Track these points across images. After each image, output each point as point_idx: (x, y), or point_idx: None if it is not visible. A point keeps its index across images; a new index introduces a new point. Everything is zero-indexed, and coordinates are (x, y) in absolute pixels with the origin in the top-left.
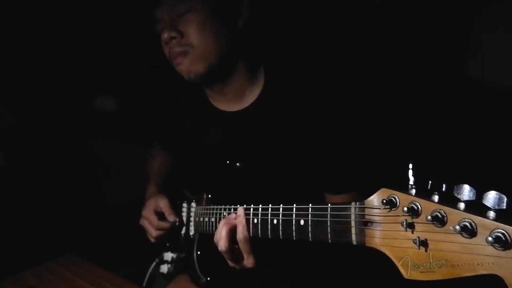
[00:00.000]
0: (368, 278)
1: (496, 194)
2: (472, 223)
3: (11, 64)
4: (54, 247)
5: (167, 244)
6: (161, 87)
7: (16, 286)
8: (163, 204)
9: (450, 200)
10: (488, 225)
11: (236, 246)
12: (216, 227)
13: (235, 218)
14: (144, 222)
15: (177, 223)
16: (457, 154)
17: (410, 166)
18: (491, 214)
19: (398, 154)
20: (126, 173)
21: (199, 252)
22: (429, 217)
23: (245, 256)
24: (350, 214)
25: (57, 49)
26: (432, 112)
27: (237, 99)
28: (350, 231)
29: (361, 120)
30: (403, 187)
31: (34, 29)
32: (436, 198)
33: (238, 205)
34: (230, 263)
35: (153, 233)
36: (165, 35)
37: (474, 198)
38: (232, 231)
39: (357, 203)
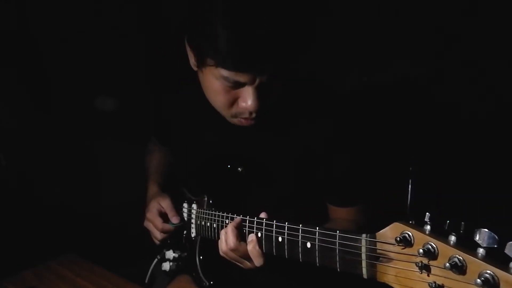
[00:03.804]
0: None
1: None
2: (495, 277)
3: (11, 64)
4: (55, 247)
5: (168, 242)
6: (162, 86)
7: (16, 286)
8: (165, 204)
9: (469, 243)
10: (511, 281)
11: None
12: (217, 233)
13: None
14: (148, 225)
15: (180, 225)
16: (465, 167)
17: (410, 177)
18: None
19: (404, 166)
20: (126, 173)
21: (201, 257)
22: (448, 265)
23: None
24: (361, 246)
25: (57, 49)
26: (439, 121)
27: None
28: (361, 264)
29: (371, 132)
30: (408, 207)
31: (34, 29)
32: (453, 239)
33: (241, 214)
34: (239, 265)
35: (158, 236)
36: (254, 107)
37: (495, 245)
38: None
39: (368, 235)
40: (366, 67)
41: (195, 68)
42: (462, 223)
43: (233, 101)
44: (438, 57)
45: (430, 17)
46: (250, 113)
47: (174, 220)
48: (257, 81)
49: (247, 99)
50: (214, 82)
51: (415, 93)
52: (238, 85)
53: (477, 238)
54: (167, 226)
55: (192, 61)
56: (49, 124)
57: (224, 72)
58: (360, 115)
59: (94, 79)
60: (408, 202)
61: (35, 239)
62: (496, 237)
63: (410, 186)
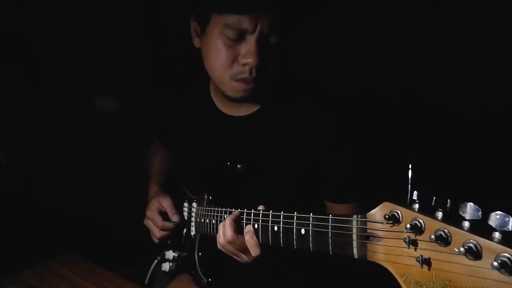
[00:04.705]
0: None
1: (502, 214)
2: (478, 245)
3: (11, 64)
4: (55, 247)
5: (169, 242)
6: (163, 86)
7: (17, 286)
8: (166, 204)
9: (455, 218)
10: (493, 248)
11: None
12: (216, 229)
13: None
14: (148, 223)
15: (180, 223)
16: (462, 166)
17: (410, 173)
18: (497, 235)
19: (402, 164)
20: (126, 173)
21: (200, 254)
22: (433, 236)
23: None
24: (352, 227)
25: (57, 49)
26: (437, 120)
27: (244, 106)
28: (352, 245)
29: (370, 131)
30: (406, 200)
31: (34, 29)
32: (440, 215)
33: (239, 209)
34: (236, 258)
35: (157, 234)
36: (254, 61)
37: (479, 218)
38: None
39: (359, 216)
40: (366, 67)
41: (197, 45)
42: (448, 200)
43: (234, 59)
44: (439, 57)
45: (430, 17)
46: (251, 71)
47: (175, 218)
48: (259, 28)
49: (248, 51)
50: (217, 40)
51: (414, 93)
52: (239, 36)
53: (461, 211)
54: (167, 224)
55: (195, 37)
56: (50, 124)
57: (228, 19)
58: (359, 114)
59: (94, 79)
60: (408, 200)
61: (35, 239)
62: (480, 210)
63: (409, 186)
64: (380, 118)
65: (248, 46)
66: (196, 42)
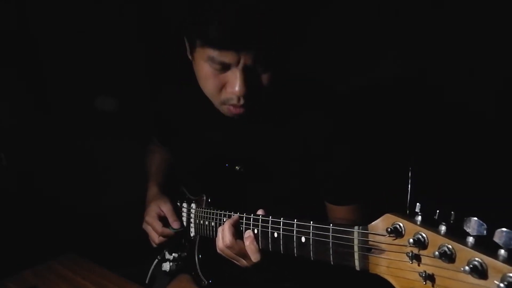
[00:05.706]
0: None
1: (508, 231)
2: (483, 264)
3: (11, 64)
4: (55, 247)
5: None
6: (162, 86)
7: (17, 285)
8: (166, 209)
9: (459, 232)
10: (499, 267)
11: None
12: (216, 232)
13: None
14: (147, 228)
15: (181, 230)
16: (465, 168)
17: (410, 174)
18: (502, 253)
19: (404, 167)
20: (126, 173)
21: (200, 256)
22: (437, 253)
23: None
24: (353, 238)
25: (57, 49)
26: (438, 121)
27: None
28: (353, 256)
29: (370, 131)
30: (408, 207)
31: (34, 29)
32: (443, 229)
33: (238, 211)
34: (236, 262)
35: (156, 240)
36: (240, 91)
37: (484, 234)
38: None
39: (360, 227)
40: (366, 67)
41: (190, 57)
42: (452, 212)
43: (222, 86)
44: (440, 56)
45: (430, 17)
46: (238, 99)
47: (175, 225)
48: (242, 61)
49: (234, 83)
50: (204, 66)
51: (414, 92)
52: (224, 67)
53: (466, 226)
54: (167, 231)
55: (188, 51)
56: (50, 124)
57: (210, 52)
58: (359, 114)
59: (94, 79)
60: (408, 202)
61: (35, 239)
62: (485, 225)
63: (409, 186)
64: (380, 118)
65: (233, 78)
66: (189, 54)
